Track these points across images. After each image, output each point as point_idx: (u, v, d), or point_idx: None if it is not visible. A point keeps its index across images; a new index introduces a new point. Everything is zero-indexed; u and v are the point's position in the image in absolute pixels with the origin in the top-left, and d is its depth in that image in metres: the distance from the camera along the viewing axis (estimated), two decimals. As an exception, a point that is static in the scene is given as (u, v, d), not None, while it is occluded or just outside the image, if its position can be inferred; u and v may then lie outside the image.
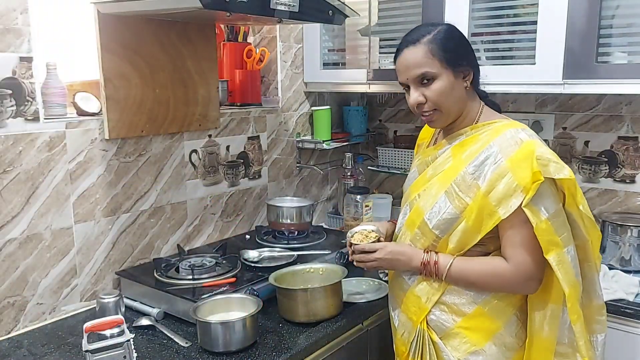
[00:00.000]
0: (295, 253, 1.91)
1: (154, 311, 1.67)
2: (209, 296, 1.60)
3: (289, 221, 2.11)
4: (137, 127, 1.87)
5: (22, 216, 1.61)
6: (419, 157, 1.61)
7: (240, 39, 2.38)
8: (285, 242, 2.09)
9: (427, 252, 1.44)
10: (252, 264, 1.84)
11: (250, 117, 2.28)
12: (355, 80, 2.42)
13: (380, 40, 2.41)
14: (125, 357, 1.28)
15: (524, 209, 1.31)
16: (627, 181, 2.19)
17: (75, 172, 1.72)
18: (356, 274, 1.94)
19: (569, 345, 1.39)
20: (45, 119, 1.65)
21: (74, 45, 1.84)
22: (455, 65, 1.42)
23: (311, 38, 2.50)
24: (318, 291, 1.60)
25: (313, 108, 2.53)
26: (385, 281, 1.86)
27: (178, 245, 1.99)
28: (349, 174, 2.54)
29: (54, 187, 1.67)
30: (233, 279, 1.71)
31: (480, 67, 1.49)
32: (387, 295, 1.71)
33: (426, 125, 1.71)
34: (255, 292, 1.68)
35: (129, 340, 1.29)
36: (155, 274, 1.79)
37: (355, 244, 1.52)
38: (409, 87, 1.45)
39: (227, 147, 2.20)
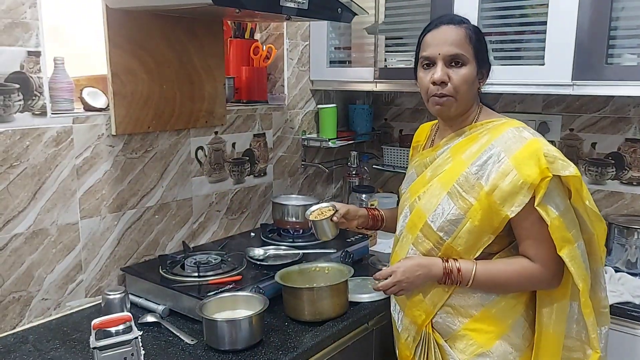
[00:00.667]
0: (301, 251, 1.90)
1: (160, 308, 1.67)
2: (215, 294, 1.60)
3: (294, 219, 2.11)
4: (143, 123, 1.86)
5: (29, 211, 1.60)
6: (416, 159, 1.60)
7: (247, 35, 2.37)
8: (291, 240, 2.08)
9: (446, 259, 1.42)
10: (258, 262, 1.84)
11: (256, 114, 2.27)
12: (361, 78, 2.41)
13: (386, 38, 2.40)
14: (133, 354, 1.27)
15: (537, 208, 1.31)
16: (634, 183, 2.18)
17: (81, 167, 1.72)
18: (361, 272, 1.94)
19: (576, 339, 1.41)
20: (52, 113, 1.64)
21: (82, 40, 1.83)
22: (481, 62, 1.44)
23: (318, 35, 2.49)
24: (324, 290, 1.59)
25: (319, 106, 2.52)
26: (386, 265, 1.85)
27: (183, 242, 1.99)
28: (354, 172, 2.54)
29: (60, 183, 1.67)
30: (239, 277, 1.71)
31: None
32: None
33: (420, 127, 1.72)
34: (261, 290, 1.67)
35: (136, 338, 1.28)
36: (160, 271, 1.78)
37: (313, 221, 1.62)
38: (429, 64, 1.44)
39: (233, 144, 2.20)
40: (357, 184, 2.51)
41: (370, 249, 2.18)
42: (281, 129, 2.40)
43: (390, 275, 1.44)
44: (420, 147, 1.63)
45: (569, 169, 1.32)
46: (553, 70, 1.93)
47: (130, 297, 1.73)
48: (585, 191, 1.36)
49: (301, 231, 2.13)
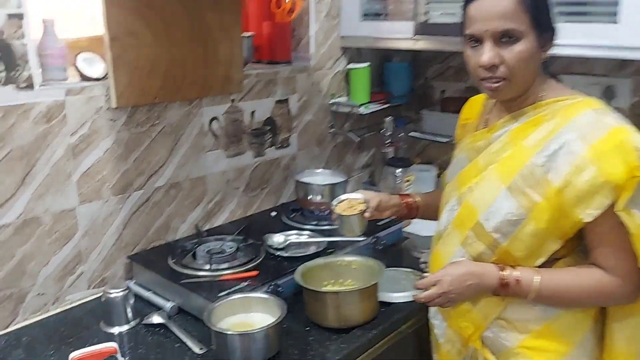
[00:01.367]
0: (326, 239, 1.69)
1: (167, 305, 1.49)
2: (227, 294, 1.41)
3: (319, 199, 1.88)
4: (149, 92, 1.64)
5: (17, 198, 1.42)
6: (467, 141, 1.34)
7: (268, -14, 2.09)
8: (315, 222, 1.87)
9: (502, 267, 1.19)
10: (277, 252, 1.63)
11: (278, 77, 2.02)
12: (399, 34, 2.11)
13: (429, -12, 2.08)
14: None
15: (620, 213, 1.06)
16: None
17: (77, 146, 1.51)
18: (394, 261, 1.72)
19: None
20: (41, 85, 1.43)
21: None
22: (543, 29, 1.15)
23: (350, -16, 2.18)
24: (351, 295, 1.39)
25: (350, 66, 2.24)
26: (427, 272, 1.63)
27: (196, 225, 1.79)
28: (388, 141, 2.28)
29: (53, 165, 1.47)
30: (255, 273, 1.51)
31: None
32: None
33: (470, 101, 1.44)
34: (279, 289, 1.48)
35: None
36: (169, 261, 1.60)
37: (341, 215, 1.41)
38: (477, 41, 1.16)
39: (252, 113, 1.96)
40: (391, 154, 2.26)
41: (403, 230, 1.95)
42: (307, 94, 2.14)
43: (435, 285, 1.21)
44: (473, 127, 1.37)
45: None
46: (629, 30, 1.61)
47: (137, 289, 1.57)
48: None
49: (326, 212, 1.90)
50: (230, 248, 1.63)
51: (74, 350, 1.31)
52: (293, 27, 2.14)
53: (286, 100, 2.06)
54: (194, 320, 1.45)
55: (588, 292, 1.16)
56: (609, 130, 1.10)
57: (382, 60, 2.42)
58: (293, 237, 1.72)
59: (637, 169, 1.05)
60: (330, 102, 2.24)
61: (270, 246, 1.66)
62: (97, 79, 1.55)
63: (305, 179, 1.93)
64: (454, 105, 2.31)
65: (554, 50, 1.22)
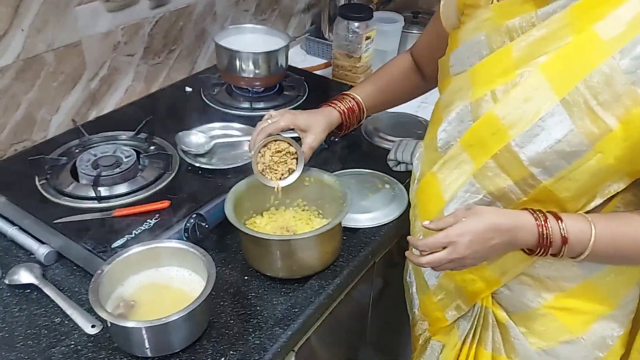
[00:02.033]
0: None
1: (40, 251, 1.03)
2: (124, 243, 0.96)
3: (251, 74, 1.36)
4: None
5: None
6: (487, 13, 0.85)
7: None
8: (247, 104, 1.37)
9: (542, 216, 0.81)
10: (197, 161, 1.16)
11: None
12: None
13: None
14: None
15: None
16: None
17: None
18: (351, 160, 1.30)
19: None
20: None
21: None
22: None
23: None
24: (307, 241, 0.97)
25: None
26: (400, 182, 1.24)
27: (73, 120, 1.25)
28: (338, -22, 1.70)
29: None
30: (165, 203, 1.04)
31: None
32: (406, 214, 1.12)
33: None
34: (203, 224, 1.04)
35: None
36: (37, 182, 1.09)
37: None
38: None
39: (145, -59, 1.32)
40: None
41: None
42: None
43: (446, 247, 0.82)
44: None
45: None
46: None
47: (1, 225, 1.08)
48: None
49: (262, 89, 1.40)
50: (128, 158, 1.14)
51: None
52: None
53: None
54: (80, 273, 1.02)
55: None
56: None
57: None
58: (219, 134, 1.24)
59: None
60: None
61: (186, 152, 1.17)
62: None
63: (229, 42, 1.38)
64: None
65: None
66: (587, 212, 0.82)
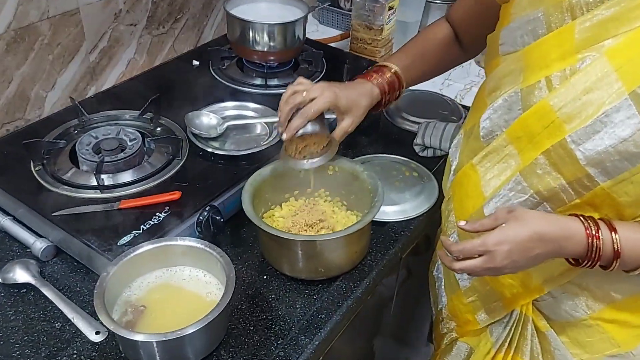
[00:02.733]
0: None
1: (37, 246, 0.93)
2: (131, 240, 0.86)
3: (266, 48, 1.24)
4: None
5: None
6: None
7: None
8: (261, 80, 1.26)
9: (594, 224, 0.71)
10: (209, 145, 1.05)
11: None
12: None
13: None
14: None
15: None
16: None
17: None
18: (374, 144, 1.20)
19: None
20: None
21: None
22: None
23: None
24: (335, 242, 0.88)
25: None
26: (429, 170, 1.14)
27: (71, 98, 1.13)
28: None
29: None
30: (176, 195, 0.94)
31: None
32: (438, 205, 1.03)
33: None
34: (217, 217, 0.94)
35: None
36: (32, 167, 0.99)
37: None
38: None
39: None
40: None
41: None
42: None
43: (482, 255, 0.72)
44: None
45: None
46: None
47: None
48: None
49: (276, 64, 1.28)
50: (133, 141, 1.03)
51: None
52: None
53: None
54: (85, 270, 0.92)
55: None
56: None
57: None
58: (231, 115, 1.12)
59: None
60: None
61: (197, 135, 1.06)
62: None
63: (242, 11, 1.25)
64: None
65: None
66: None
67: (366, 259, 0.95)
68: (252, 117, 1.13)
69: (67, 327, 0.84)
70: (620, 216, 0.73)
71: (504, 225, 0.71)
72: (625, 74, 0.66)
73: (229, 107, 1.14)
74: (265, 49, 1.23)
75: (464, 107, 1.33)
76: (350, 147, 1.20)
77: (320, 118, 0.89)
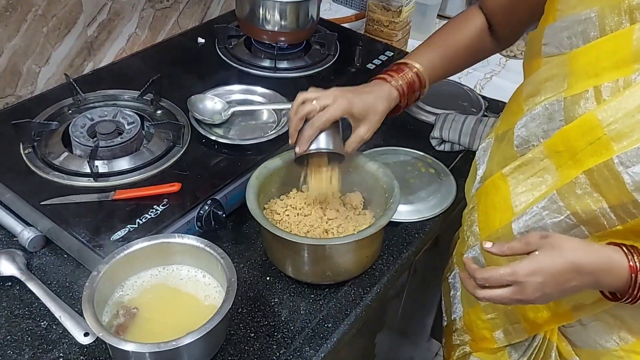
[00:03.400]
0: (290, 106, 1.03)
1: (24, 235, 0.86)
2: (126, 235, 0.80)
3: (277, 27, 1.16)
4: None
5: None
6: None
7: None
8: (270, 62, 1.18)
9: (634, 253, 0.63)
10: (212, 133, 0.98)
11: None
12: None
13: None
14: None
15: None
16: None
17: None
18: (387, 135, 1.13)
19: None
20: None
21: None
22: None
23: None
24: (345, 246, 0.81)
25: None
26: (446, 166, 1.07)
27: (66, 75, 1.05)
28: None
29: None
30: (175, 186, 0.87)
31: None
32: (455, 205, 0.96)
33: None
34: (218, 212, 0.87)
35: None
36: (21, 150, 0.92)
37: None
38: None
39: None
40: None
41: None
42: None
43: (511, 285, 0.65)
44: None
45: None
46: None
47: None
48: None
49: (286, 46, 1.20)
50: (131, 125, 0.95)
51: None
52: None
53: None
54: (75, 264, 0.86)
55: None
56: None
57: None
58: (237, 100, 1.05)
59: None
60: None
61: (199, 121, 0.99)
62: None
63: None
64: None
65: None
66: None
67: (377, 262, 0.89)
68: (259, 103, 1.05)
69: (54, 327, 0.78)
70: None
71: (537, 253, 0.64)
72: None
73: (235, 91, 1.07)
74: (276, 29, 1.15)
75: (484, 98, 1.25)
76: (362, 137, 1.13)
77: (334, 128, 0.81)
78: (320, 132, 0.79)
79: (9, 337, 0.76)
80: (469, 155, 1.11)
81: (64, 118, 0.98)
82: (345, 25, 1.47)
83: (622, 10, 0.62)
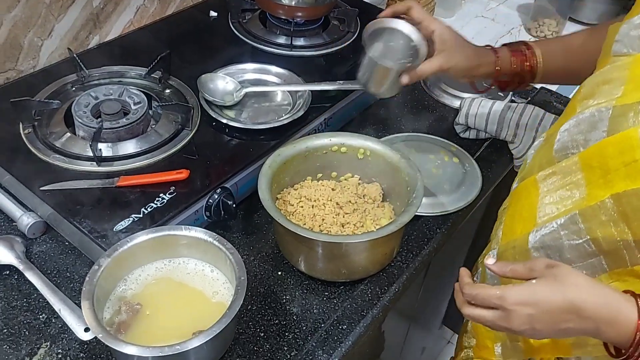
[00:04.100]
0: (308, 87, 0.96)
1: (24, 221, 0.81)
2: (130, 225, 0.75)
3: (294, 1, 1.09)
4: None
5: None
6: None
7: None
8: (285, 38, 1.11)
9: None
10: (223, 116, 0.92)
11: None
12: None
13: None
14: None
15: None
16: None
17: None
18: (409, 125, 1.07)
19: None
20: None
21: None
22: None
23: None
24: (363, 244, 0.75)
25: None
26: (470, 154, 1.01)
27: (69, 50, 0.99)
28: None
29: None
30: (183, 174, 0.81)
31: None
32: (479, 199, 0.90)
33: None
34: (228, 201, 0.81)
35: None
36: (21, 131, 0.86)
37: (374, 61, 0.79)
38: None
39: None
40: None
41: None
42: None
43: (496, 308, 0.58)
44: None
45: None
46: None
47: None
48: None
49: (303, 21, 1.13)
50: (137, 105, 0.90)
51: None
52: None
53: None
54: (77, 253, 0.81)
55: None
56: None
57: None
58: (249, 80, 0.98)
59: None
60: None
61: (210, 102, 0.93)
62: None
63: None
64: None
65: None
66: None
67: (396, 259, 0.84)
68: (273, 84, 0.99)
69: (53, 321, 0.74)
70: None
71: (534, 282, 0.57)
72: None
73: (248, 70, 1.00)
74: (293, 3, 1.08)
75: (512, 82, 1.17)
76: (381, 121, 1.06)
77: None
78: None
79: (5, 330, 0.72)
80: (495, 143, 1.04)
81: (66, 96, 0.92)
82: (367, 0, 1.39)
83: None
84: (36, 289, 0.76)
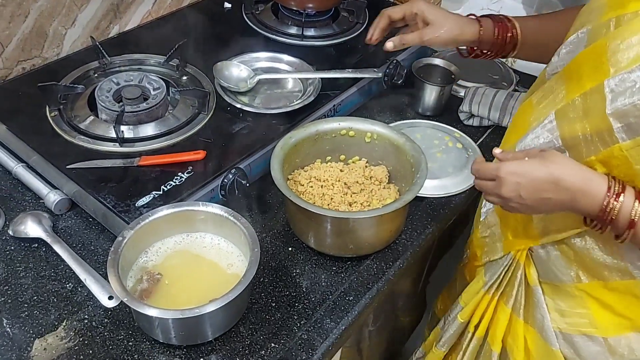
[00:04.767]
0: (318, 75, 1.01)
1: (50, 198, 0.87)
2: (151, 202, 0.80)
3: (306, -9, 1.14)
4: None
5: None
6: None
7: None
8: (297, 29, 1.15)
9: (617, 185, 0.64)
10: (237, 100, 0.96)
11: None
12: None
13: None
14: None
15: None
16: None
17: None
18: (415, 112, 1.11)
19: None
20: None
21: None
22: None
23: None
24: (369, 220, 0.80)
25: None
26: (474, 140, 1.06)
27: (92, 37, 1.04)
28: None
29: None
30: (200, 154, 0.86)
31: None
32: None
33: None
34: (242, 180, 0.86)
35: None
36: (47, 112, 0.92)
37: None
38: None
39: None
40: None
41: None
42: None
43: (494, 179, 0.70)
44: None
45: None
46: None
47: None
48: None
49: (314, 12, 1.17)
50: (157, 91, 0.95)
51: None
52: None
53: None
54: (100, 228, 0.86)
55: None
56: None
57: None
58: (262, 68, 1.03)
59: None
60: None
61: (225, 89, 0.98)
62: None
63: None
64: None
65: None
66: None
67: (400, 237, 0.88)
68: (285, 72, 1.04)
69: (79, 289, 0.79)
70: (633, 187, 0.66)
71: (527, 158, 0.67)
72: None
73: (261, 59, 1.05)
74: (304, -7, 1.13)
75: (516, 72, 1.21)
76: (388, 109, 1.11)
77: None
78: None
79: (35, 297, 0.77)
80: (498, 130, 1.09)
81: (89, 81, 0.97)
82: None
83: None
84: (63, 260, 0.81)
